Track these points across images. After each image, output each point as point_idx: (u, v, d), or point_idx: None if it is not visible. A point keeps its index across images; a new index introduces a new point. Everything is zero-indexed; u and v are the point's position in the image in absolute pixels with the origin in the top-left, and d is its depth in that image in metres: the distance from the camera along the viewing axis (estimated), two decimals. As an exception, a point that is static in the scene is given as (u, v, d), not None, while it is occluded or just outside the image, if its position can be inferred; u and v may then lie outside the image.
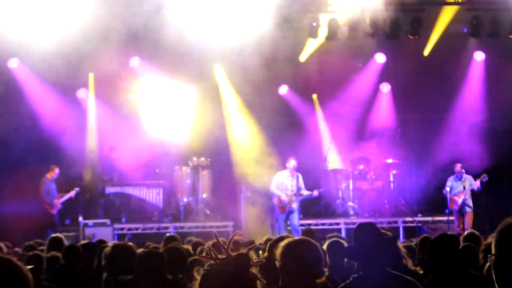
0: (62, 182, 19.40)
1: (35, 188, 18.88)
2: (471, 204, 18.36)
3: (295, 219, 18.05)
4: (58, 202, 18.76)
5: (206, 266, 4.15)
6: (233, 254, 4.18)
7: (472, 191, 18.45)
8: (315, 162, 21.17)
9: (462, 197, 18.25)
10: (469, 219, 18.22)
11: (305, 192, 18.16)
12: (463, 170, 18.55)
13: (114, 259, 7.45)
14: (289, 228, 18.20)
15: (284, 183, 18.09)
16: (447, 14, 19.69)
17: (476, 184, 18.34)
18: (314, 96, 22.71)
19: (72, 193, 19.21)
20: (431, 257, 6.87)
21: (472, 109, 21.62)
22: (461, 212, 18.33)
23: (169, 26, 18.57)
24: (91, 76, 21.35)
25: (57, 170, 19.00)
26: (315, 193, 18.32)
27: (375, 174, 21.46)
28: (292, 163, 18.10)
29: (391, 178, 21.55)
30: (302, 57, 21.53)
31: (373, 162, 21.57)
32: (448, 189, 18.35)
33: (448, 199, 18.33)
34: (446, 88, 22.01)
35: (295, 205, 18.06)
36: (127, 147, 20.88)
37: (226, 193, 21.16)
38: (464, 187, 18.28)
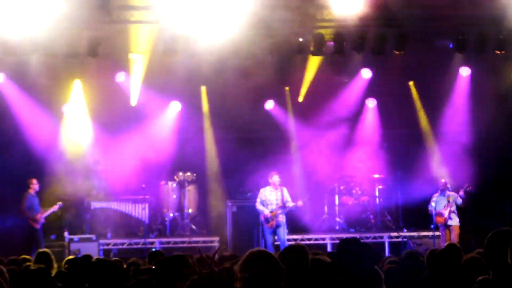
0: (46, 197, 19.30)
1: (19, 203, 18.75)
2: (457, 218, 18.37)
3: (282, 233, 18.02)
4: (42, 216, 18.63)
5: (189, 281, 4.13)
6: (217, 269, 4.17)
7: (458, 207, 18.46)
8: (302, 176, 21.22)
9: (448, 210, 18.25)
10: (455, 234, 18.21)
11: (290, 204, 18.13)
12: (448, 186, 18.58)
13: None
14: (277, 243, 18.16)
15: (268, 198, 18.08)
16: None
17: (460, 195, 18.37)
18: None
19: (55, 208, 19.05)
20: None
21: (458, 125, 21.65)
22: (447, 227, 18.32)
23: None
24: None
25: (34, 181, 18.78)
26: (300, 203, 18.25)
27: (361, 189, 21.53)
28: (274, 178, 18.13)
29: (377, 193, 21.60)
30: (289, 72, 21.56)
31: (359, 177, 21.63)
32: (433, 204, 18.36)
33: (434, 215, 18.33)
34: (432, 104, 22.09)
35: (282, 219, 18.05)
36: (113, 161, 20.87)
37: (212, 208, 21.16)
38: (448, 201, 18.31)
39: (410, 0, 18.07)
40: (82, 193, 20.51)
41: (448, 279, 7.39)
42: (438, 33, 19.65)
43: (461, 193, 18.39)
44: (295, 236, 19.83)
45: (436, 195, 18.55)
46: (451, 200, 18.32)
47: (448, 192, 18.47)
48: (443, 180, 18.63)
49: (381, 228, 21.06)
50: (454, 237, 18.14)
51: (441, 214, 18.29)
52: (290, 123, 22.49)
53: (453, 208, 18.35)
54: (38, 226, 18.52)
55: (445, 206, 18.30)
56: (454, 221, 18.31)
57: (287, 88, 22.38)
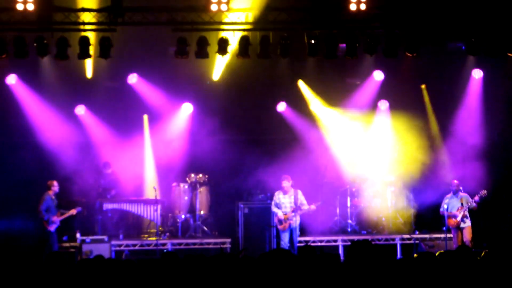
0: (59, 198, 19.31)
1: (33, 204, 18.73)
2: (469, 221, 18.27)
3: (294, 235, 18.17)
4: (57, 219, 18.53)
5: None
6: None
7: (469, 209, 18.37)
8: (314, 178, 21.18)
9: (461, 213, 18.15)
10: (468, 234, 18.11)
11: (305, 207, 18.24)
12: (461, 188, 18.48)
13: None
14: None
15: (281, 201, 18.27)
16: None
17: (474, 200, 18.28)
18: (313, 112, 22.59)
19: (73, 211, 18.90)
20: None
21: (470, 127, 21.56)
22: (459, 229, 18.23)
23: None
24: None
25: (55, 183, 18.70)
26: (313, 207, 18.35)
27: (373, 191, 21.46)
28: (284, 183, 18.29)
29: (389, 195, 21.52)
30: (300, 74, 21.59)
31: (371, 179, 21.56)
32: (445, 206, 18.26)
33: (446, 217, 18.24)
34: (444, 106, 22.01)
35: (294, 221, 18.15)
36: (125, 163, 20.93)
37: (224, 209, 21.15)
38: (462, 204, 18.21)
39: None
40: (94, 194, 20.59)
41: (461, 280, 7.37)
42: (450, 35, 19.57)
43: (476, 198, 18.30)
44: (307, 238, 19.83)
45: (448, 196, 18.46)
46: (464, 203, 18.22)
47: (460, 193, 18.38)
48: (455, 181, 18.53)
49: (393, 230, 21.03)
50: (467, 238, 18.05)
51: (454, 217, 18.20)
52: (302, 124, 22.42)
53: (466, 212, 18.28)
54: (52, 228, 18.39)
55: (458, 209, 18.20)
56: (467, 224, 18.23)
57: (299, 81, 22.26)
